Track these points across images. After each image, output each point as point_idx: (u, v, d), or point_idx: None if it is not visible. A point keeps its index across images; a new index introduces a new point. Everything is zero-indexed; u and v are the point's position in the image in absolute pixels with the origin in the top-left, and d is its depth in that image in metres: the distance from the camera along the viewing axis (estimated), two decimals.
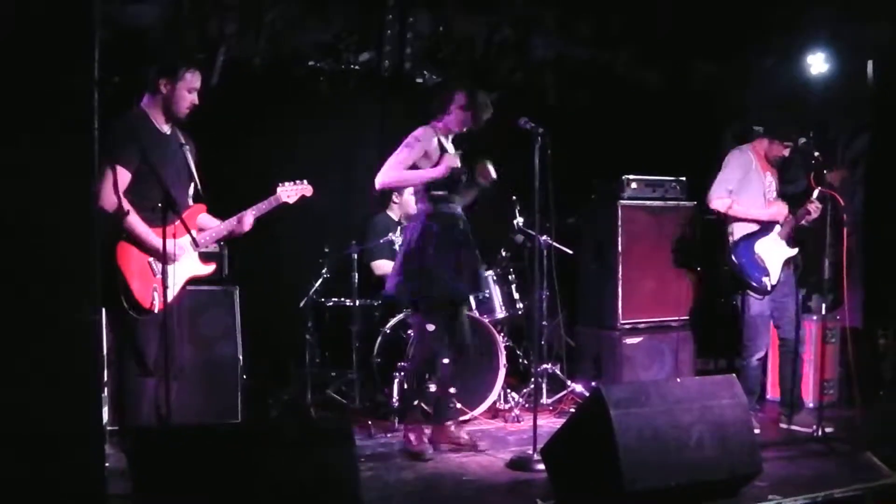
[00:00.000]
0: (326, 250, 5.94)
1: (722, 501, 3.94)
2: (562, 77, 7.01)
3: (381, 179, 4.86)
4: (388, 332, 5.85)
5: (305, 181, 4.74)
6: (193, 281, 4.34)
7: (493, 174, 4.87)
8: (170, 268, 4.03)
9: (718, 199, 5.48)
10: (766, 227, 5.48)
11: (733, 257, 5.42)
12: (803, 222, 5.45)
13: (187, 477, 3.08)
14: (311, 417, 5.55)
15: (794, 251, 5.52)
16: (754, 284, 5.40)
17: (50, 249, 2.88)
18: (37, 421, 2.84)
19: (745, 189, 5.49)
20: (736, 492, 4.03)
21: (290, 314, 6.02)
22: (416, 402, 5.01)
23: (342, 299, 5.99)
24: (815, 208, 5.36)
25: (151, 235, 4.05)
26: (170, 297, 4.05)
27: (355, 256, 5.83)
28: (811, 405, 5.97)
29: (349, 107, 6.83)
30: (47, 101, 2.87)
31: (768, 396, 6.45)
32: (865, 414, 5.62)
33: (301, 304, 5.91)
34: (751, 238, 5.46)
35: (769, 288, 5.42)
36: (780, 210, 5.48)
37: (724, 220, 5.52)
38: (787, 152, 5.56)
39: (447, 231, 4.87)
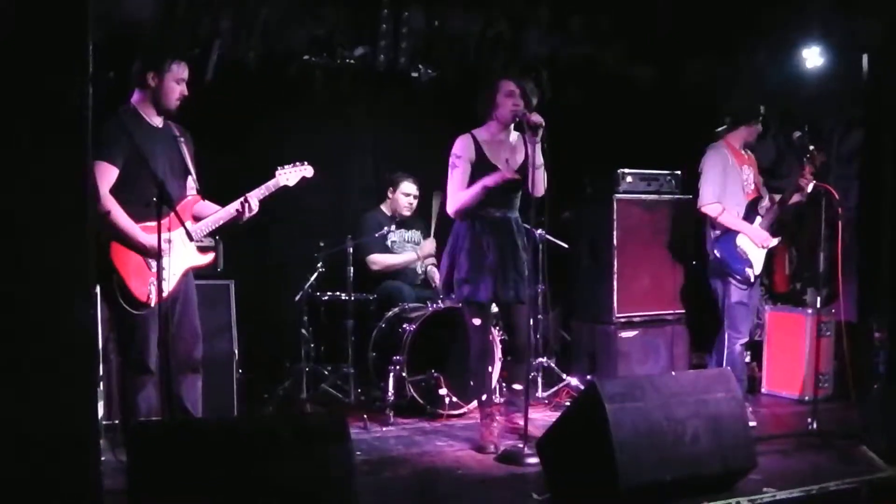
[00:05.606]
0: (321, 245, 5.93)
1: (717, 495, 3.94)
2: (556, 72, 7.00)
3: (453, 207, 4.91)
4: (384, 326, 5.86)
5: (305, 162, 4.73)
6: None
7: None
8: (165, 260, 3.98)
9: (709, 206, 5.55)
10: (746, 218, 5.55)
11: (715, 251, 5.56)
12: (796, 197, 5.47)
13: (182, 472, 3.08)
14: (307, 412, 5.56)
15: (776, 241, 5.59)
16: (738, 277, 5.49)
17: (45, 248, 2.88)
18: (32, 418, 2.84)
19: (726, 185, 5.55)
20: (731, 486, 4.04)
21: (285, 309, 6.02)
22: (484, 396, 4.99)
23: (337, 294, 5.99)
24: (806, 182, 5.37)
25: (135, 230, 4.02)
26: (167, 290, 4.04)
27: (350, 251, 5.82)
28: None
29: (343, 101, 6.81)
30: (42, 99, 2.86)
31: (764, 390, 6.47)
32: (860, 407, 5.62)
33: (296, 299, 5.91)
34: (731, 231, 5.53)
35: (752, 279, 5.53)
36: (765, 238, 5.52)
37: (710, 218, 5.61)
38: (759, 127, 5.65)
39: (490, 235, 4.86)
